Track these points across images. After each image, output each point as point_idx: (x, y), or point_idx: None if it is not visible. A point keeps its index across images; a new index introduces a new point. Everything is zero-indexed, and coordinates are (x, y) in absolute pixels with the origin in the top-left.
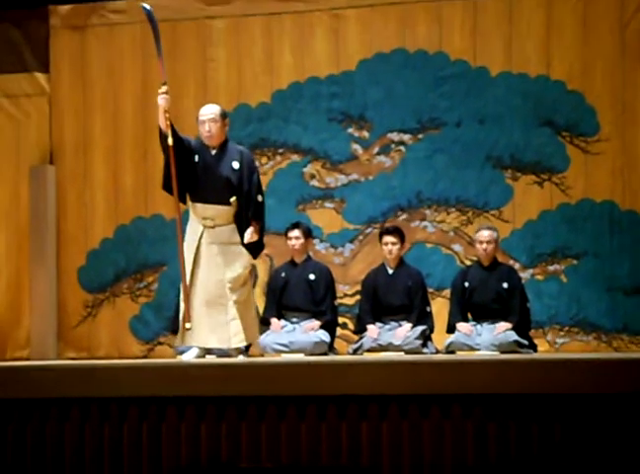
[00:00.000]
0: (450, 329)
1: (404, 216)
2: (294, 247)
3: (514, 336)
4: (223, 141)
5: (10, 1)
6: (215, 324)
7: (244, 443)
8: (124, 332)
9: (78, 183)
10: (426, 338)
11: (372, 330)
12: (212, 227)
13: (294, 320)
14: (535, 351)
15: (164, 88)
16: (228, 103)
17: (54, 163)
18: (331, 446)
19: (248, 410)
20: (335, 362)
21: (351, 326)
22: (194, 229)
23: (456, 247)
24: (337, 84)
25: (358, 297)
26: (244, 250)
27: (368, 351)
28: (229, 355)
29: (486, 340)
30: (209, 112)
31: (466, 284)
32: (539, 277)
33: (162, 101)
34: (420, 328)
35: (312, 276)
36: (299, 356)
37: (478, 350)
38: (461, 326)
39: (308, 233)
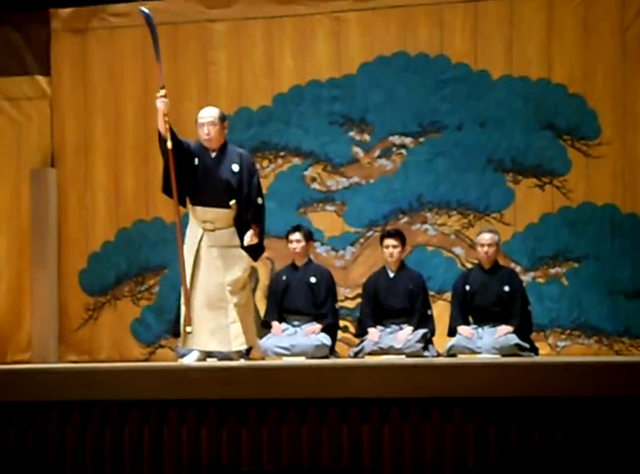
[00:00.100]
0: (451, 332)
1: (405, 219)
2: (295, 250)
3: (515, 339)
4: (223, 144)
5: (11, 4)
6: (216, 327)
7: (245, 447)
8: (126, 335)
9: (79, 185)
10: (427, 341)
11: (373, 333)
12: (212, 230)
13: (295, 323)
14: (537, 354)
15: (163, 91)
16: (229, 106)
17: (55, 166)
18: (332, 450)
19: (249, 413)
20: (336, 366)
21: (352, 329)
22: (193, 232)
23: (457, 250)
24: (338, 87)
25: (359, 300)
26: (244, 253)
27: (369, 354)
28: (230, 359)
29: (487, 343)
30: (208, 115)
31: (467, 288)
32: (540, 281)
33: (161, 104)
34: (421, 331)
35: (313, 280)
36: (300, 360)
37: (479, 353)
38: (462, 329)
39: (309, 236)
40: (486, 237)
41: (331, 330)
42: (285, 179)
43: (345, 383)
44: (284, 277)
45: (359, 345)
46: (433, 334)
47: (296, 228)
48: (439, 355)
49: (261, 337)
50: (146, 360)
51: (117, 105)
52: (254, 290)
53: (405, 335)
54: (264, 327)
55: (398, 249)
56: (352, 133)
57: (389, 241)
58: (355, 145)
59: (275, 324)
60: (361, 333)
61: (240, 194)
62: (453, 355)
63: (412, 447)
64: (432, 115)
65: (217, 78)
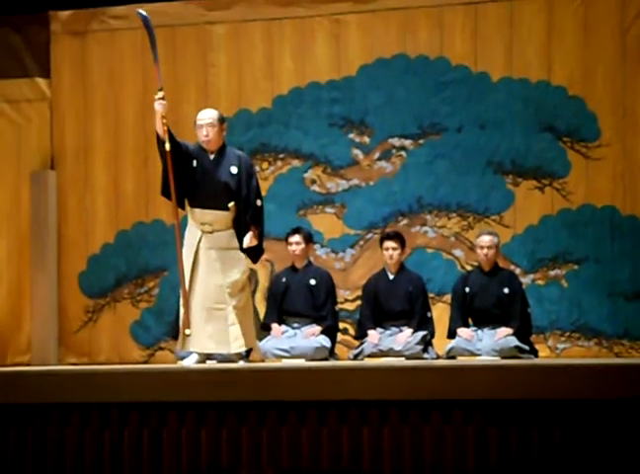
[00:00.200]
0: (451, 334)
1: (405, 221)
2: (295, 252)
3: (514, 341)
4: (221, 146)
5: (11, 6)
6: (215, 329)
7: (245, 449)
8: (125, 337)
9: (79, 188)
10: (426, 343)
11: (373, 335)
12: (211, 232)
13: (295, 325)
14: (536, 356)
15: (161, 94)
16: (229, 108)
17: (55, 168)
18: (332, 452)
19: (249, 415)
20: (335, 368)
21: (351, 331)
22: (192, 234)
23: (457, 252)
24: (338, 89)
25: (358, 303)
26: (242, 255)
27: (369, 356)
28: (230, 361)
29: (487, 345)
30: (207, 116)
31: (467, 290)
32: (540, 283)
33: (159, 106)
34: (420, 333)
35: (313, 282)
36: (300, 362)
37: (479, 355)
38: (462, 331)
39: (309, 238)
40: (486, 239)
41: (331, 332)
42: (285, 181)
43: (344, 385)
44: (284, 280)
45: (358, 347)
46: (432, 336)
47: (296, 230)
48: (438, 357)
49: (260, 339)
50: (146, 363)
51: (116, 107)
52: (253, 292)
53: (405, 337)
54: (263, 329)
55: (398, 251)
56: (351, 135)
57: (389, 243)
58: (354, 147)
59: (274, 326)
60: (361, 335)
61: (239, 196)
62: (453, 358)
63: (412, 450)
64: (431, 117)
65: (217, 80)
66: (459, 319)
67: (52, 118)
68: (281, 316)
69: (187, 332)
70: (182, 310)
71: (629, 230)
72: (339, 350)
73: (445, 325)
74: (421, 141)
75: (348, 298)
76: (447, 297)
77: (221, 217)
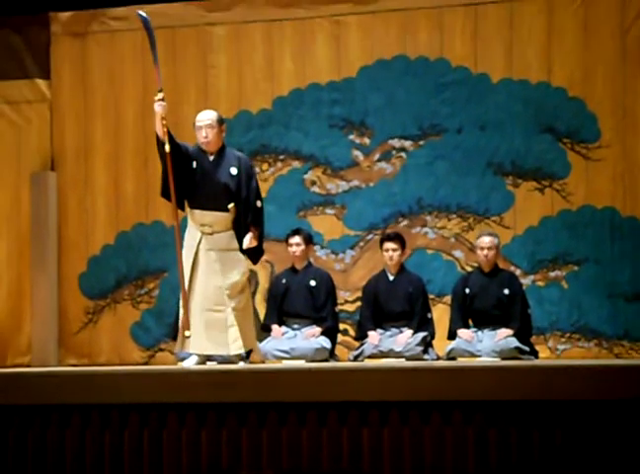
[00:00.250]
0: (451, 335)
1: (405, 223)
2: (295, 253)
3: (515, 342)
4: (221, 147)
5: (11, 7)
6: (214, 331)
7: (245, 450)
8: (125, 338)
9: (79, 189)
10: (427, 344)
11: (373, 336)
12: (211, 234)
13: (295, 326)
14: (537, 357)
15: (160, 95)
16: (229, 109)
17: (55, 169)
18: (332, 453)
19: (249, 416)
20: (336, 369)
21: (351, 332)
22: (192, 236)
23: (457, 253)
24: (338, 90)
25: (358, 304)
26: (242, 256)
27: (369, 357)
28: (230, 362)
29: (487, 346)
30: (206, 118)
31: (467, 291)
32: (540, 284)
33: (159, 108)
34: (421, 334)
35: (313, 283)
36: (300, 363)
37: (479, 356)
38: (462, 332)
39: (309, 239)
40: (486, 240)
41: (331, 333)
42: (285, 182)
43: (344, 386)
44: (284, 281)
45: (358, 348)
46: (432, 337)
47: (296, 231)
48: (438, 358)
49: (261, 340)
50: (146, 364)
51: (116, 108)
52: (254, 294)
53: (405, 338)
54: (263, 330)
55: (398, 252)
56: (351, 137)
57: (389, 244)
58: (354, 148)
59: (274, 327)
60: (361, 336)
61: (239, 197)
62: (453, 359)
63: (412, 451)
64: (432, 118)
65: (217, 81)
66: (459, 320)
67: (52, 120)
68: (282, 317)
69: (186, 333)
70: (181, 311)
71: (629, 231)
72: (339, 351)
73: (446, 326)
74: (421, 142)
75: (348, 299)
76: (448, 298)
77: (221, 219)
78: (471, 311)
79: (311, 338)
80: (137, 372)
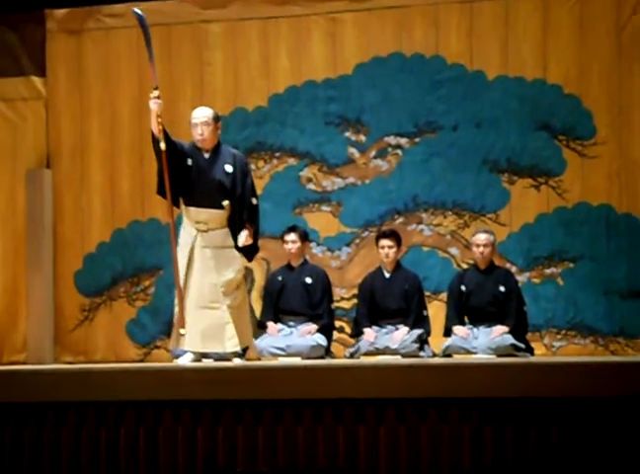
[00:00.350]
0: (447, 332)
1: (401, 220)
2: (291, 251)
3: (510, 339)
4: (216, 145)
5: (6, 5)
6: (209, 328)
7: (241, 447)
8: (121, 336)
9: (75, 187)
10: (422, 341)
11: (369, 333)
12: (206, 231)
13: (291, 324)
14: (532, 354)
15: (156, 92)
16: (225, 106)
17: (51, 167)
18: (328, 450)
19: (244, 413)
20: (331, 366)
21: (347, 329)
22: (187, 233)
23: (453, 250)
24: (334, 88)
25: (354, 301)
26: (237, 254)
27: (365, 354)
28: (226, 359)
29: (483, 343)
30: (202, 115)
31: (463, 288)
32: (536, 281)
33: (154, 105)
34: (417, 331)
35: (309, 280)
36: (296, 360)
37: (475, 353)
38: (458, 329)
39: (305, 237)
40: (481, 237)
41: (327, 330)
42: (281, 179)
43: (340, 384)
44: (280, 278)
45: (354, 345)
46: (428, 334)
47: (292, 229)
48: (434, 355)
49: (256, 337)
50: (142, 361)
51: (112, 106)
52: (249, 291)
53: (401, 335)
54: (259, 327)
55: (394, 249)
56: (347, 134)
57: (385, 241)
58: (350, 146)
59: (270, 324)
60: (357, 333)
61: (234, 194)
62: (449, 356)
63: (408, 448)
64: (427, 115)
65: (213, 79)
66: (455, 317)
67: (48, 117)
68: (277, 314)
69: (181, 331)
70: (176, 309)
71: (625, 228)
72: (335, 348)
73: (441, 323)
74: (417, 140)
75: (344, 296)
76: (443, 295)
77: (216, 216)
78: (467, 308)
79: (307, 335)
80: (133, 370)
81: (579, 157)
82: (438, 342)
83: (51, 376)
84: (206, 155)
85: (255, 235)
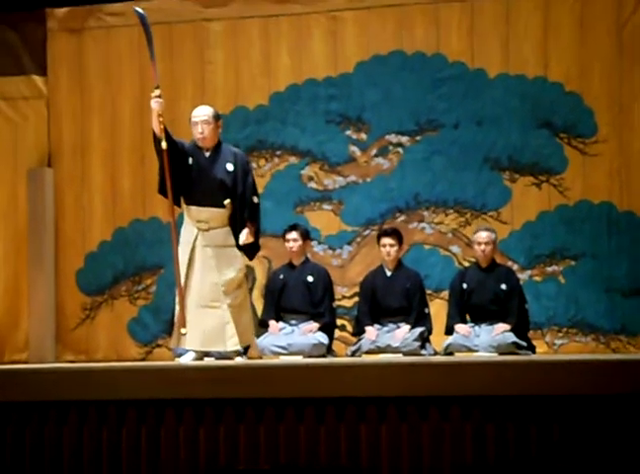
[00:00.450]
0: (449, 330)
1: (402, 218)
2: (292, 249)
3: (512, 337)
4: (217, 143)
5: (7, 4)
6: (210, 327)
7: (242, 446)
8: (123, 334)
9: (76, 186)
10: (424, 339)
11: (371, 332)
12: (207, 230)
13: (293, 322)
14: (534, 352)
15: (157, 92)
16: (226, 105)
17: (52, 166)
18: (330, 448)
19: (246, 412)
20: (333, 364)
21: (349, 328)
22: (188, 232)
23: (454, 248)
24: (334, 86)
25: (356, 299)
26: (239, 253)
27: (367, 352)
28: (227, 358)
29: (484, 341)
30: (202, 113)
31: (464, 286)
32: (537, 279)
33: (155, 104)
34: (418, 330)
35: (310, 279)
36: (298, 359)
37: (476, 351)
38: (460, 327)
39: (306, 235)
40: (483, 235)
41: (328, 329)
42: (282, 178)
43: (342, 382)
44: (282, 276)
45: (356, 343)
46: (430, 332)
47: (293, 227)
48: (436, 353)
49: (258, 336)
50: (143, 360)
51: (113, 105)
52: (251, 289)
53: (402, 333)
54: (261, 326)
55: (395, 248)
56: (348, 132)
57: (386, 240)
58: (351, 144)
59: (272, 323)
60: (359, 331)
61: (235, 193)
62: (451, 354)
63: (410, 446)
64: (428, 113)
65: (214, 77)
66: (457, 315)
67: (49, 116)
68: (279, 313)
69: (182, 331)
70: (177, 308)
71: (626, 226)
72: (336, 346)
73: (443, 321)
74: (418, 138)
75: (345, 295)
76: (445, 293)
77: (217, 215)
78: (469, 306)
79: (309, 333)
80: (135, 368)
81: (580, 155)
82: (439, 340)
83: (53, 375)
84: (207, 154)
85: (256, 234)
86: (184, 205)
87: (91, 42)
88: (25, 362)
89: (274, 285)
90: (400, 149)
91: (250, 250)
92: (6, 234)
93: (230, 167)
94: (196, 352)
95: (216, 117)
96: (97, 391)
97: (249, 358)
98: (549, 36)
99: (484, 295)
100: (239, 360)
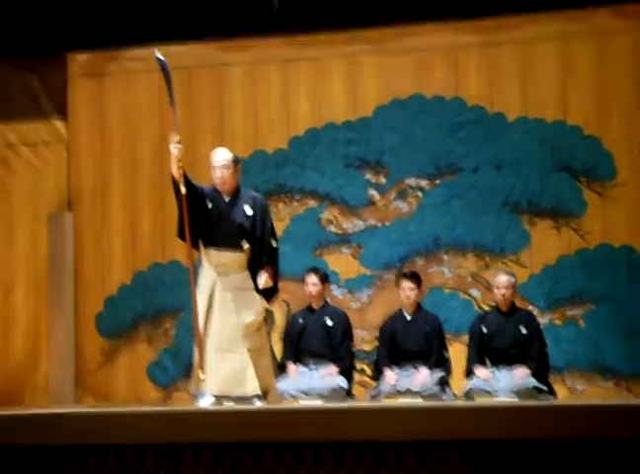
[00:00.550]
0: (469, 374)
1: (421, 261)
2: (312, 293)
3: (533, 382)
4: (236, 187)
5: (28, 48)
6: (230, 371)
7: None
8: (142, 378)
9: (96, 229)
10: (444, 384)
11: (390, 376)
12: (226, 274)
13: (312, 366)
14: (555, 396)
15: (176, 137)
16: (245, 149)
17: (72, 209)
18: None
19: (265, 456)
20: (352, 409)
21: (368, 372)
22: (207, 276)
23: (474, 292)
24: (354, 130)
25: (375, 343)
26: (258, 296)
27: (386, 396)
28: (247, 401)
29: (505, 386)
30: (221, 158)
31: (484, 330)
32: (557, 322)
33: (175, 150)
34: (438, 374)
35: (329, 322)
36: (317, 403)
37: (497, 396)
38: (479, 371)
39: (325, 278)
40: (503, 279)
41: (348, 372)
42: (301, 221)
43: (361, 426)
44: (301, 320)
45: (376, 387)
46: (450, 376)
47: (313, 270)
48: (456, 397)
49: (277, 379)
50: (163, 403)
51: (133, 148)
52: (270, 333)
53: (422, 377)
54: (280, 369)
55: (415, 291)
56: (367, 176)
57: (406, 283)
58: (370, 188)
59: (291, 366)
60: (378, 375)
61: (254, 237)
62: (471, 398)
63: None
64: (447, 157)
65: (233, 121)
66: (477, 359)
67: (69, 160)
68: (298, 356)
69: (201, 376)
70: (196, 353)
71: None
72: (356, 390)
73: (463, 365)
74: (437, 181)
75: (365, 338)
76: (464, 337)
77: (236, 259)
78: (488, 350)
79: (328, 377)
80: (154, 413)
81: (599, 198)
82: (459, 384)
83: (72, 419)
84: (227, 198)
85: (275, 277)
86: (202, 249)
87: (111, 87)
88: (44, 406)
89: (293, 329)
90: (419, 193)
91: (269, 294)
92: (27, 278)
93: (249, 211)
94: (215, 396)
95: (235, 161)
96: (116, 435)
97: (268, 402)
98: (568, 79)
99: (504, 339)
100: (258, 404)
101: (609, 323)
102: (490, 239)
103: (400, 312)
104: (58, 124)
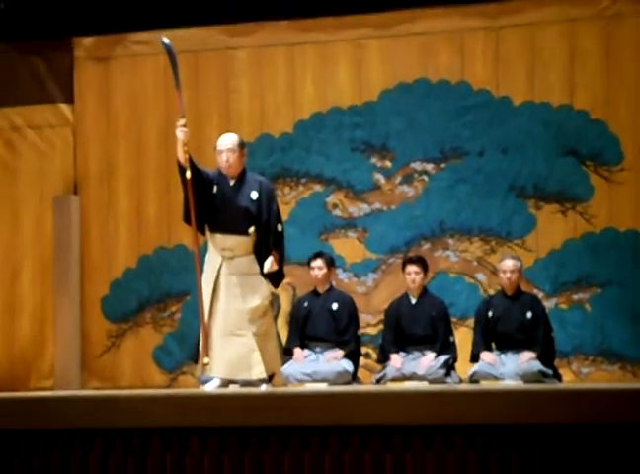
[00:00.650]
0: (474, 358)
1: (427, 246)
2: (317, 277)
3: (538, 366)
4: (242, 171)
5: (34, 32)
6: (235, 355)
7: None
8: (148, 362)
9: (102, 213)
10: (449, 367)
11: (396, 360)
12: (231, 258)
13: (317, 350)
14: (560, 380)
15: (182, 121)
16: (251, 133)
17: (78, 193)
18: None
19: (271, 440)
20: (358, 392)
21: (374, 356)
22: (213, 260)
23: (480, 276)
24: (359, 114)
25: (381, 327)
26: (264, 280)
27: (392, 380)
28: (252, 385)
29: (510, 370)
30: (227, 142)
31: (490, 314)
32: (563, 307)
33: (180, 134)
34: (443, 357)
35: (335, 306)
36: (322, 386)
37: (502, 380)
38: (485, 355)
39: (331, 263)
40: (508, 263)
41: (353, 356)
42: (307, 205)
43: (367, 410)
44: (306, 304)
45: (381, 371)
46: (455, 360)
47: (318, 255)
48: (461, 381)
49: (283, 363)
50: (168, 387)
51: (139, 132)
52: (276, 317)
53: (428, 361)
54: (286, 354)
55: (420, 275)
56: (373, 160)
57: (411, 267)
58: (376, 172)
59: (296, 350)
60: (384, 359)
61: (259, 221)
62: (476, 382)
63: None
64: (453, 141)
65: (239, 106)
66: (482, 343)
67: (75, 144)
68: (304, 340)
69: (205, 361)
70: (201, 337)
71: None
72: (361, 374)
73: (468, 349)
74: (442, 165)
75: (370, 323)
76: (470, 321)
77: (242, 242)
78: (494, 334)
79: (333, 361)
80: (159, 396)
81: (606, 182)
82: (464, 368)
83: (78, 403)
84: (232, 182)
85: (280, 261)
86: (208, 233)
87: (117, 71)
88: (50, 390)
89: (298, 313)
90: (425, 177)
91: (274, 278)
92: (32, 261)
93: (255, 195)
94: (221, 379)
95: (241, 145)
96: (122, 419)
97: (274, 386)
98: (575, 63)
99: (510, 323)
100: (264, 388)
101: (615, 307)
102: (496, 223)
103: (406, 296)
104: (64, 108)
